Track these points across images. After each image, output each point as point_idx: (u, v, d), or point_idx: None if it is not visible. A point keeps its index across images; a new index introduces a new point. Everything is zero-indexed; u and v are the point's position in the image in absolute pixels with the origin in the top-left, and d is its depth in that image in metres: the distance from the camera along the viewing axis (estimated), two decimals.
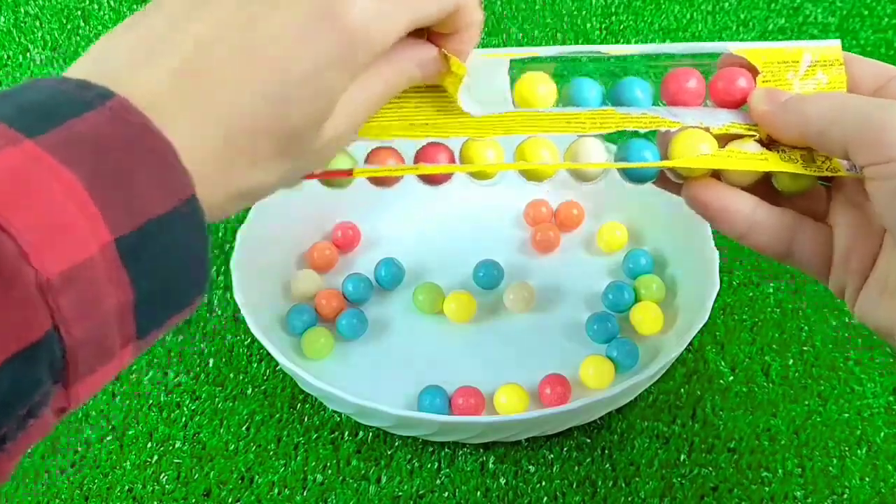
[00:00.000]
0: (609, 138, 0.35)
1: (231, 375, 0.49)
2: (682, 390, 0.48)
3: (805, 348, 0.50)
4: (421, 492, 0.45)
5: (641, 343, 0.48)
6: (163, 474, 0.45)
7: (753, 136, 0.34)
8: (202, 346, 0.50)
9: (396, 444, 0.46)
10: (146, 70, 0.25)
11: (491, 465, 0.45)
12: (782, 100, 0.33)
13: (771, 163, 0.34)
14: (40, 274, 0.21)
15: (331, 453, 0.46)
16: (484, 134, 0.35)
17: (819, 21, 0.70)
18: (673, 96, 0.36)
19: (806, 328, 0.51)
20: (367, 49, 0.28)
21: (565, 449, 0.46)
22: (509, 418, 0.43)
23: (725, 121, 0.35)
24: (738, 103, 0.35)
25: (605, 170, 0.36)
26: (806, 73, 0.35)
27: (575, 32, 0.70)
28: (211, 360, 0.50)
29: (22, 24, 0.71)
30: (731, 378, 0.49)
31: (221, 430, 0.47)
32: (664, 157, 0.35)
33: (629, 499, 0.44)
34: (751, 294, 0.52)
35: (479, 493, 0.45)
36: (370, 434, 0.46)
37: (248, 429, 0.47)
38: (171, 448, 0.46)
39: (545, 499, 0.44)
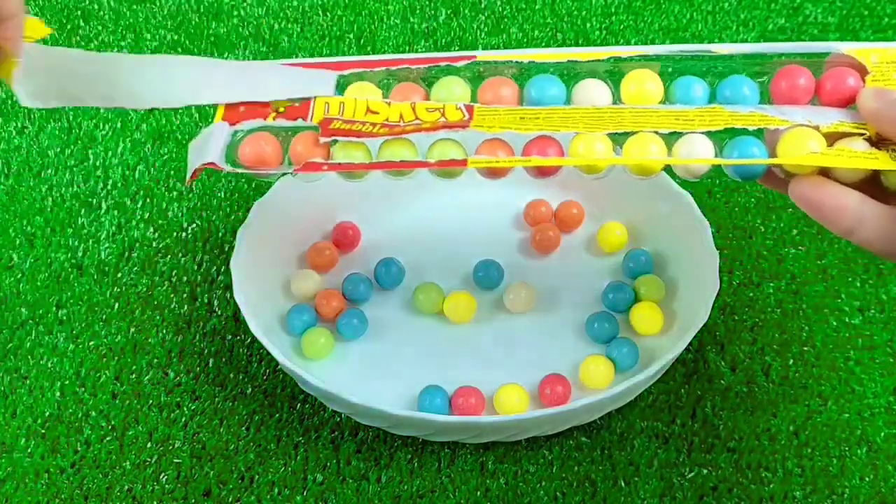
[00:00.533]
0: (716, 136, 0.36)
1: (231, 375, 0.49)
2: (682, 390, 0.48)
3: (805, 348, 0.50)
4: (421, 492, 0.45)
5: (641, 343, 0.48)
6: (163, 474, 0.45)
7: (863, 134, 0.35)
8: (202, 346, 0.50)
9: (396, 444, 0.46)
10: None
11: (491, 465, 0.45)
12: (892, 98, 0.34)
13: (881, 161, 0.34)
14: None
15: (331, 453, 0.46)
16: (594, 129, 0.35)
17: (819, 21, 0.70)
18: (783, 94, 0.36)
19: (806, 328, 0.51)
20: None
21: (565, 449, 0.46)
22: (509, 418, 0.43)
23: (834, 119, 0.35)
24: (846, 102, 0.36)
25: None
26: None
27: (575, 32, 0.70)
28: (211, 360, 0.50)
29: None
30: (731, 378, 0.49)
31: (221, 430, 0.47)
32: (772, 154, 0.35)
33: (629, 499, 0.44)
34: (751, 294, 0.52)
35: (479, 493, 0.45)
36: (370, 434, 0.46)
37: (248, 429, 0.47)
38: (171, 448, 0.46)
39: (545, 499, 0.44)
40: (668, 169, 0.42)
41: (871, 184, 0.35)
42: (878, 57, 0.36)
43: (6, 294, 0.53)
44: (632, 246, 0.54)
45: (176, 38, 0.69)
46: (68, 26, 0.70)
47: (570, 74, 0.38)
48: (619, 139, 0.36)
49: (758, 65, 0.37)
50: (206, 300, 0.52)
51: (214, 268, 0.54)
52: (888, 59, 0.36)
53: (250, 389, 0.48)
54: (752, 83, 0.37)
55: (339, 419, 0.47)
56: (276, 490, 0.45)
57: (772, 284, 0.53)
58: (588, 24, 0.70)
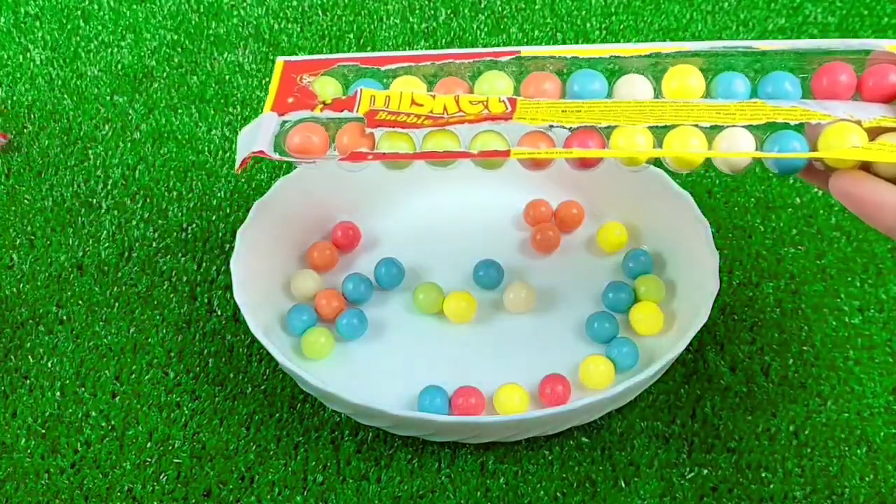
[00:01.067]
0: (757, 130, 0.36)
1: (231, 375, 0.49)
2: (682, 390, 0.48)
3: (805, 348, 0.50)
4: (421, 492, 0.45)
5: (641, 343, 0.48)
6: (163, 474, 0.45)
7: None
8: (202, 346, 0.50)
9: (396, 444, 0.46)
10: None
11: (491, 465, 0.45)
12: None
13: None
14: None
15: (331, 453, 0.46)
16: (635, 122, 0.36)
17: (819, 21, 0.70)
18: (824, 90, 0.36)
19: (805, 328, 0.51)
20: None
21: (565, 449, 0.46)
22: (509, 418, 0.43)
23: (877, 114, 0.35)
24: (888, 98, 0.36)
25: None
26: None
27: (575, 32, 0.70)
28: (211, 360, 0.50)
29: (22, 24, 0.71)
30: (731, 378, 0.49)
31: (221, 430, 0.47)
32: (812, 149, 0.35)
33: (629, 499, 0.44)
34: (751, 294, 0.52)
35: (479, 493, 0.45)
36: (370, 434, 0.47)
37: (248, 429, 0.47)
38: (171, 448, 0.46)
39: (545, 499, 0.44)
40: (667, 169, 0.42)
41: None
42: None
43: (6, 294, 0.53)
44: (632, 246, 0.54)
45: (176, 38, 0.69)
46: (68, 26, 0.70)
47: (612, 70, 0.39)
48: (659, 133, 0.37)
49: (799, 62, 0.38)
50: (206, 300, 0.52)
51: (214, 268, 0.54)
52: None
53: (250, 389, 0.48)
54: (794, 79, 0.37)
55: (339, 419, 0.47)
56: (276, 490, 0.45)
57: (771, 284, 0.53)
58: (588, 24, 0.70)
